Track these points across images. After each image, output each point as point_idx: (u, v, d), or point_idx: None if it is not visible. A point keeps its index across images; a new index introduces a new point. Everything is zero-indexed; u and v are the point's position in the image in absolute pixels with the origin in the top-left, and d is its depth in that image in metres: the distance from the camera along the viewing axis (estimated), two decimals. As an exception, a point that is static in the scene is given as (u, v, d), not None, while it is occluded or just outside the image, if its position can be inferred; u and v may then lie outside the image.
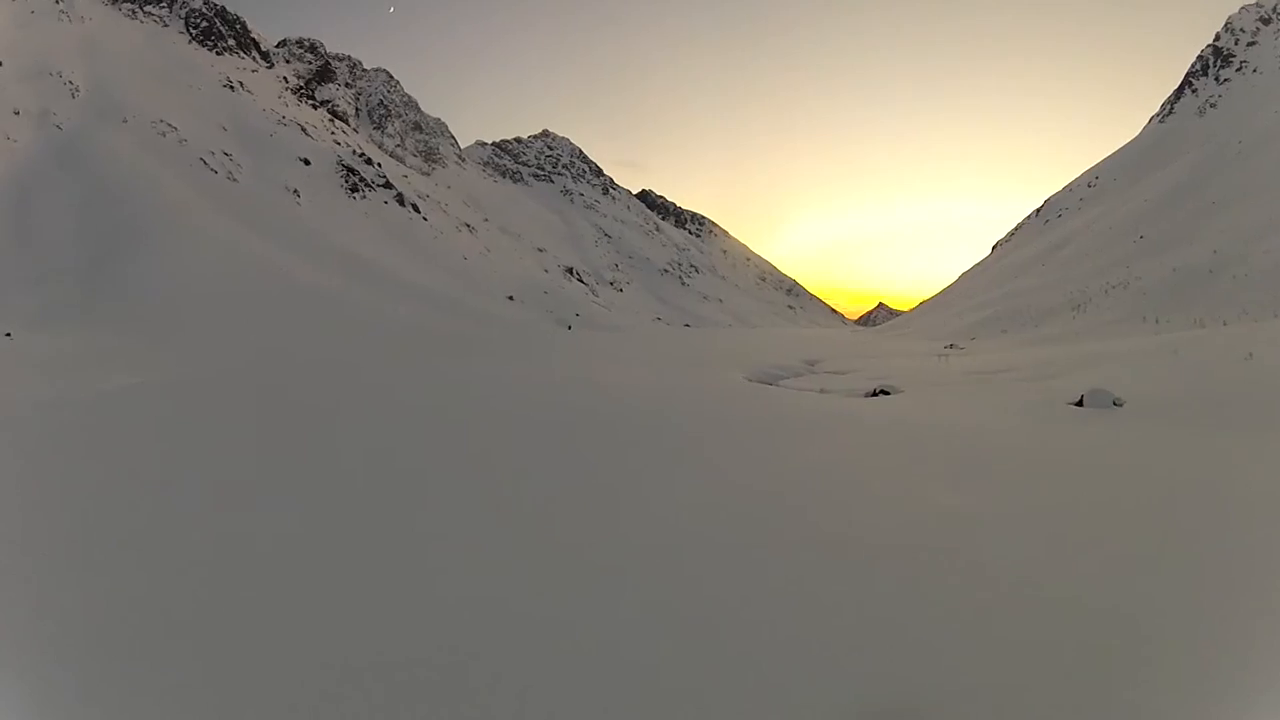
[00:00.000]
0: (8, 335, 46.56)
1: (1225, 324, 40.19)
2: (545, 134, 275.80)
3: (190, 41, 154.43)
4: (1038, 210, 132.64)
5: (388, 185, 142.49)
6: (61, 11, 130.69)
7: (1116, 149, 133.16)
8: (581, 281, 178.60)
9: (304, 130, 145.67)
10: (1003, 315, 73.52)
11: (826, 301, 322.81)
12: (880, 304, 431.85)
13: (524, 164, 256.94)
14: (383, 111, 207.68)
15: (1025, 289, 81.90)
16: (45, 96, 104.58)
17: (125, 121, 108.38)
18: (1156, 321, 49.80)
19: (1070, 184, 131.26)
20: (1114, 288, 64.24)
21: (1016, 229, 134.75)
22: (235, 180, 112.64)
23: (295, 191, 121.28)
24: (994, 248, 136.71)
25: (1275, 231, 59.06)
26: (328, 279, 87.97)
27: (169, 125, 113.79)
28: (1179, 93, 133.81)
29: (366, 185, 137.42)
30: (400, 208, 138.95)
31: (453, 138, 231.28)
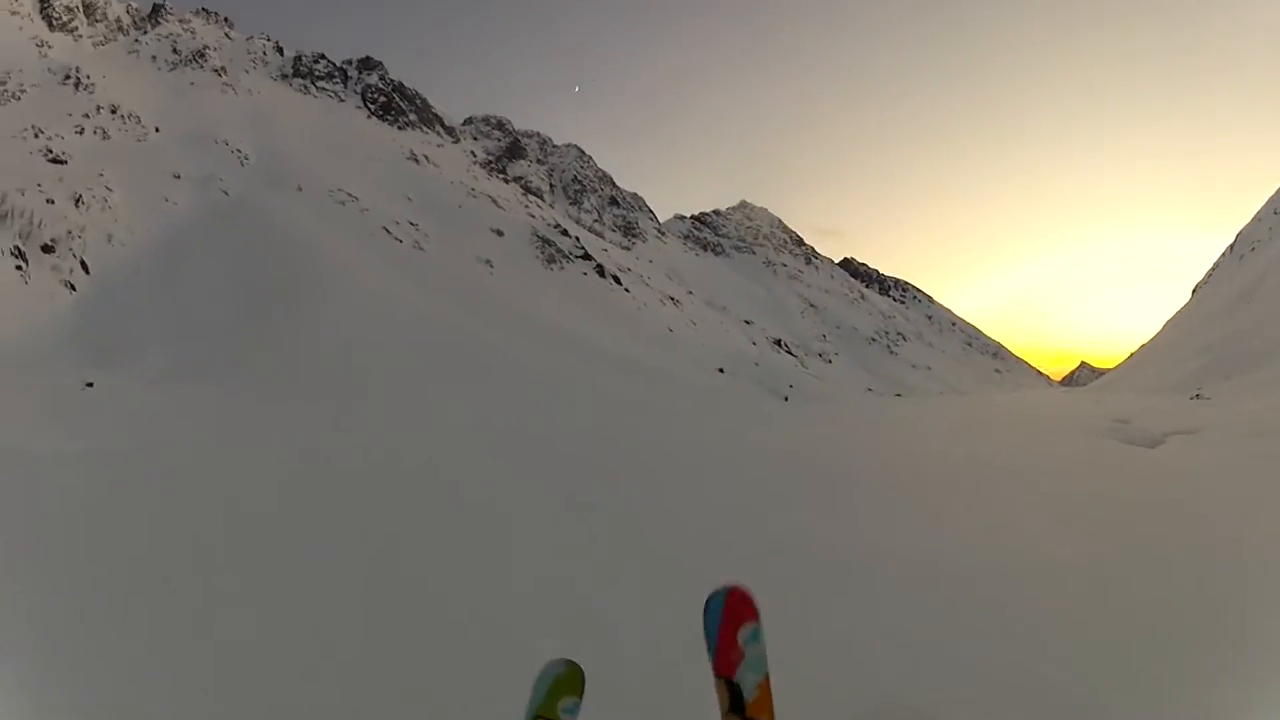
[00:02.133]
0: (89, 385, 46.76)
1: None
2: (744, 205, 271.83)
3: (369, 116, 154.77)
4: (1231, 246, 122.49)
5: (586, 256, 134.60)
6: (225, 84, 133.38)
7: None
8: (790, 353, 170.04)
9: (495, 202, 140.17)
10: (1223, 360, 65.26)
11: (1030, 363, 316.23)
12: (1082, 363, 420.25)
13: (724, 236, 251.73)
14: (577, 187, 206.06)
15: (1237, 330, 73.38)
16: (210, 163, 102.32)
17: (300, 190, 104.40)
18: None
19: (1258, 213, 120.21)
20: None
21: (1214, 269, 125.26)
22: (422, 249, 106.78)
23: (488, 261, 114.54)
24: (1194, 291, 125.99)
25: None
26: (524, 347, 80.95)
27: (348, 194, 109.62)
28: None
29: (564, 256, 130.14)
30: (601, 279, 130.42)
31: (650, 212, 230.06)
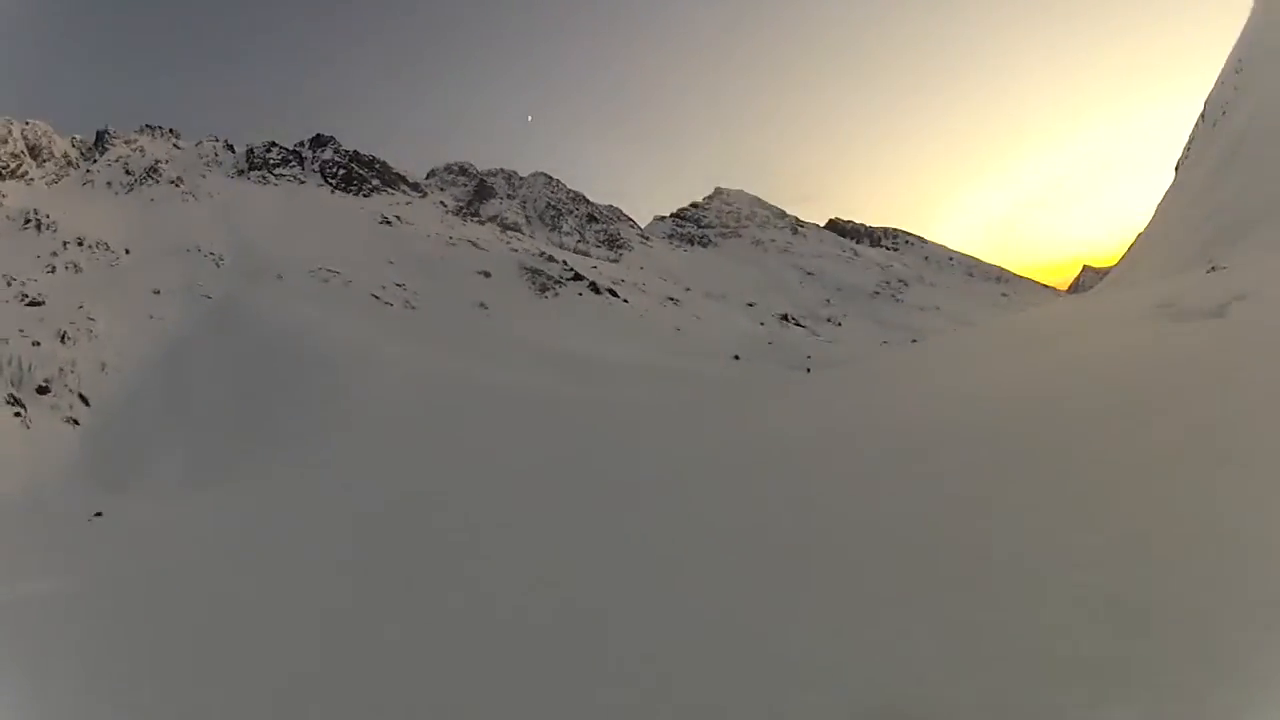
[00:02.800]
0: (98, 515, 45.31)
1: None
2: (719, 192, 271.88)
3: (333, 191, 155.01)
4: (1202, 115, 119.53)
5: (577, 277, 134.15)
6: (185, 193, 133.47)
7: (1243, 22, 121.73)
8: (800, 325, 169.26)
9: (475, 245, 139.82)
10: (1226, 228, 60.59)
11: (1035, 279, 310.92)
12: (1084, 267, 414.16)
13: (707, 226, 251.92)
14: (553, 212, 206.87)
15: (1232, 195, 68.29)
16: (186, 272, 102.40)
17: (280, 278, 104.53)
18: None
19: (1220, 76, 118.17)
20: None
21: (1191, 141, 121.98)
22: (413, 307, 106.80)
23: (481, 304, 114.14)
24: (1176, 168, 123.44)
25: None
26: (535, 378, 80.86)
27: (330, 270, 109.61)
28: None
29: (555, 282, 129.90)
30: (597, 295, 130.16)
31: (630, 220, 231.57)
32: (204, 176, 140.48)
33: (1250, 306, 20.13)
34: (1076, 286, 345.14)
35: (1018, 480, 8.91)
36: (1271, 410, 9.79)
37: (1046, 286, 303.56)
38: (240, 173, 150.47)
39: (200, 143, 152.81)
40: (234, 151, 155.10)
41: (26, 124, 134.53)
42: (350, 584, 12.72)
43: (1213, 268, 46.13)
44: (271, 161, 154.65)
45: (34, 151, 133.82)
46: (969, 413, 14.07)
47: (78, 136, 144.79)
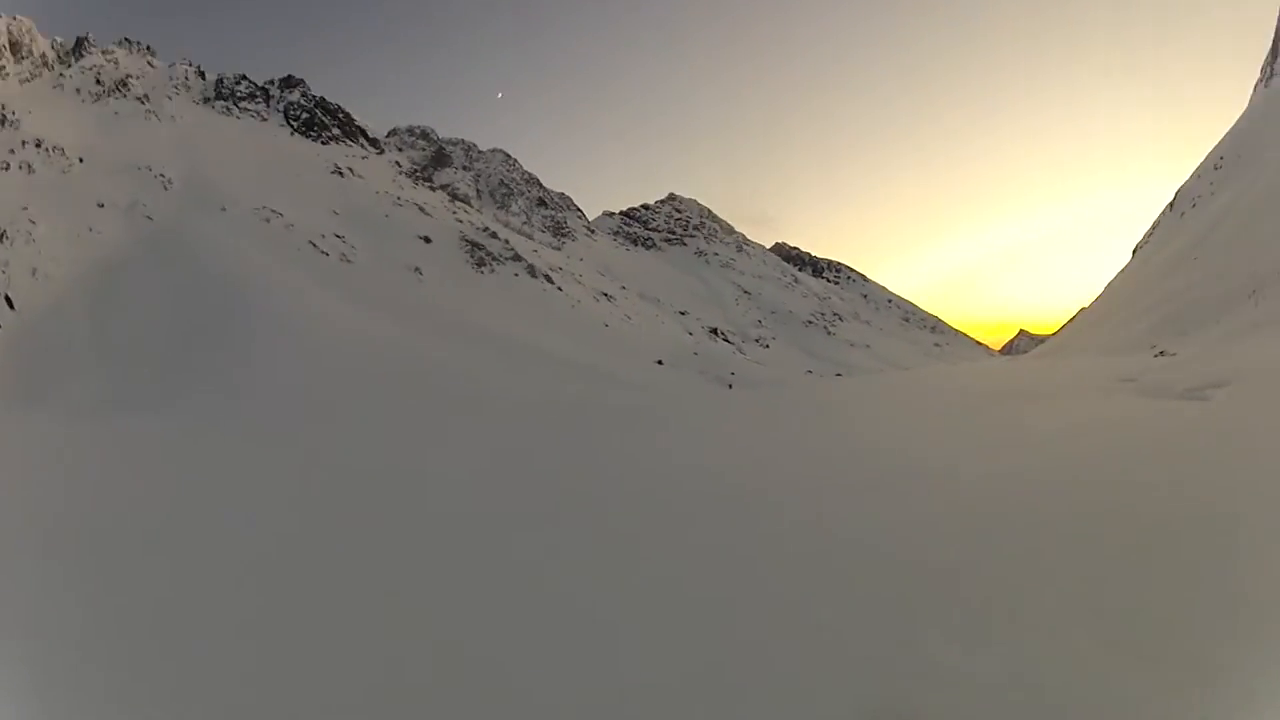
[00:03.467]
0: None
1: None
2: (672, 197, 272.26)
3: (292, 134, 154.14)
4: (1170, 204, 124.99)
5: (517, 257, 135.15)
6: (149, 112, 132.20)
7: (1231, 124, 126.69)
8: (728, 341, 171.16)
9: (422, 210, 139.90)
10: (1176, 315, 69.73)
11: (969, 334, 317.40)
12: (1021, 331, 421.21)
13: (654, 230, 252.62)
14: (504, 191, 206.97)
15: (1187, 285, 77.02)
16: (134, 190, 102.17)
17: (224, 210, 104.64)
18: None
19: (1197, 170, 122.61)
20: None
21: (1154, 228, 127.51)
22: (349, 261, 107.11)
23: (416, 269, 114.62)
24: (1134, 251, 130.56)
25: None
26: (461, 354, 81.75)
27: (273, 211, 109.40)
28: (1275, 52, 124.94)
29: (494, 259, 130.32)
30: (532, 278, 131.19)
31: (579, 210, 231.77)
32: (170, 98, 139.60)
33: (1235, 393, 22.29)
34: (1010, 348, 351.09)
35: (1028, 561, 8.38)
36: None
37: (980, 344, 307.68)
38: (206, 100, 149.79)
39: (174, 64, 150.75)
40: (204, 79, 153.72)
41: (13, 19, 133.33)
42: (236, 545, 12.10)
43: (1160, 352, 51.13)
44: (239, 94, 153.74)
45: (14, 47, 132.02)
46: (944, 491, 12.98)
47: (59, 39, 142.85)
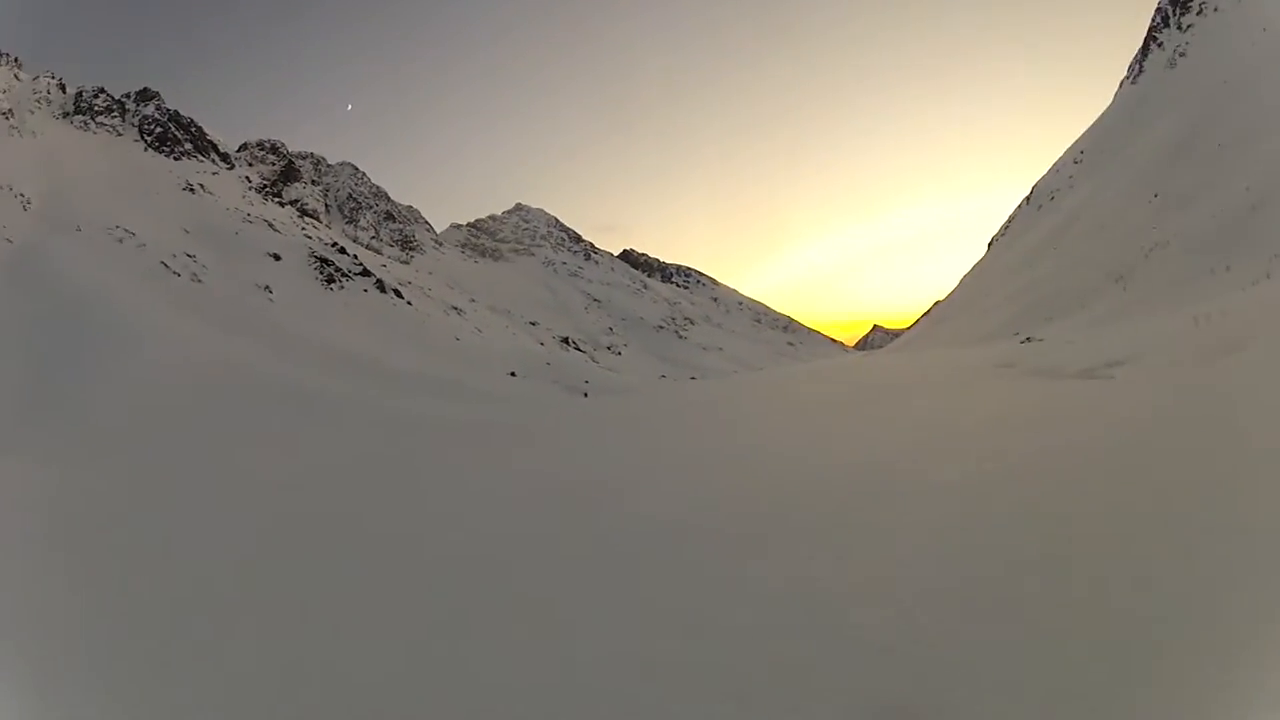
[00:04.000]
0: None
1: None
2: (519, 208, 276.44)
3: (146, 149, 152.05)
4: (1027, 198, 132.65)
5: (366, 273, 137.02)
6: (13, 128, 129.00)
7: (1093, 121, 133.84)
8: (579, 349, 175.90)
9: (271, 226, 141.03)
10: (1039, 303, 73.35)
11: (824, 332, 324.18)
12: (875, 326, 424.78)
13: (501, 240, 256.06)
14: (353, 205, 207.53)
15: (1049, 274, 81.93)
16: None
17: (79, 230, 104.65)
18: (1227, 269, 48.49)
19: (1055, 165, 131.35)
20: (1153, 250, 63.91)
21: (1010, 221, 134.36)
22: (200, 281, 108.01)
23: (266, 288, 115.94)
24: (989, 245, 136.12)
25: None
26: (310, 374, 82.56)
27: (126, 231, 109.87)
28: (1144, 50, 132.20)
29: (343, 275, 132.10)
30: (381, 294, 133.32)
31: (427, 223, 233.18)
32: (32, 113, 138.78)
33: (1136, 370, 22.55)
34: (865, 344, 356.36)
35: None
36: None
37: (834, 341, 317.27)
38: (66, 115, 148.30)
39: (37, 77, 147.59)
40: (64, 92, 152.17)
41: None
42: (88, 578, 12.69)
43: (1027, 339, 52.90)
44: (96, 108, 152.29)
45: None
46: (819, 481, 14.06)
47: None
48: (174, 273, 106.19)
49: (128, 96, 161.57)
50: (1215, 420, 13.32)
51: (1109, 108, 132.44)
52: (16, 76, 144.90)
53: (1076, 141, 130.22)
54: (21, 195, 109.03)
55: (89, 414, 59.99)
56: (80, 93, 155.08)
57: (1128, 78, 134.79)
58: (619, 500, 15.04)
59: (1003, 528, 9.23)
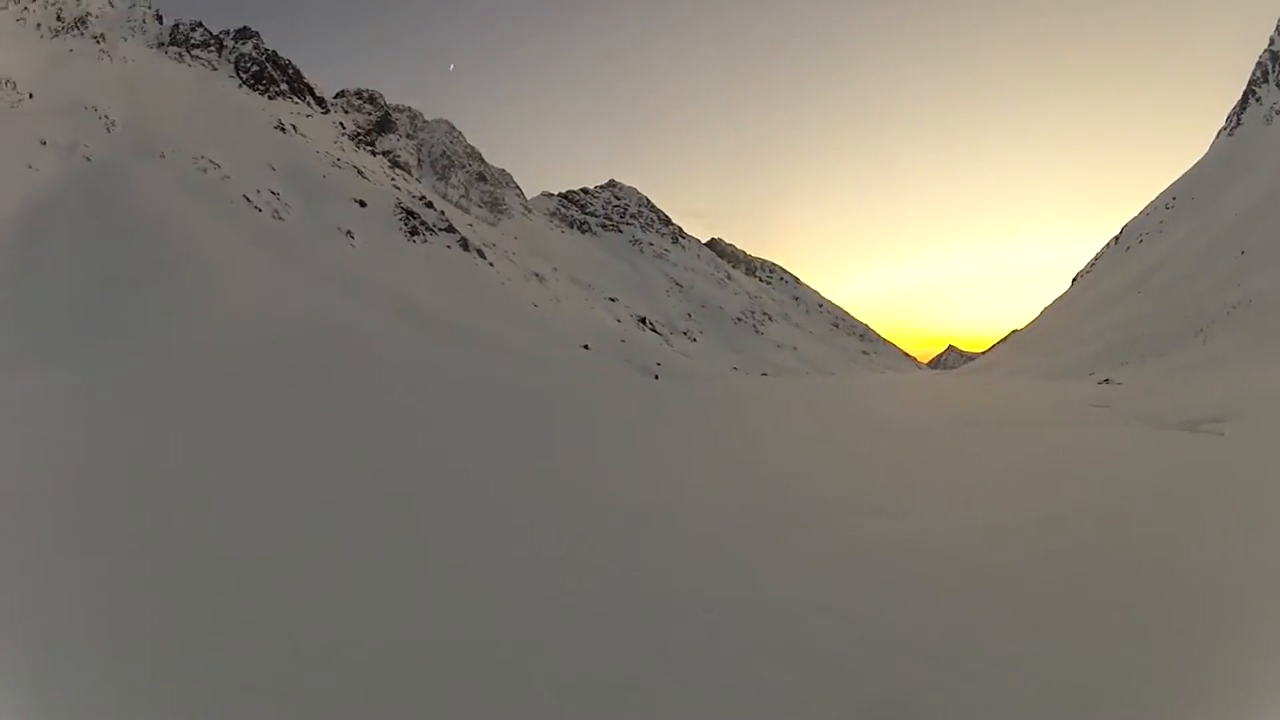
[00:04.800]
0: None
1: None
2: (612, 184, 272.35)
3: (240, 86, 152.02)
4: (1116, 238, 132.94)
5: (450, 229, 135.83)
6: (102, 52, 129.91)
7: (1187, 169, 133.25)
8: (655, 331, 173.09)
9: (361, 174, 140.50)
10: (1117, 346, 73.40)
11: (898, 345, 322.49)
12: (950, 346, 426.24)
13: (591, 214, 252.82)
14: (445, 162, 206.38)
15: (1127, 318, 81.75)
16: (77, 130, 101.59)
17: (163, 157, 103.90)
18: None
19: (1146, 208, 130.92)
20: (1236, 307, 63.29)
21: (1096, 259, 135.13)
22: (281, 219, 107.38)
23: (349, 233, 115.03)
24: (1074, 280, 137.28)
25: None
26: (384, 323, 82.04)
27: (210, 162, 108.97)
28: (1243, 103, 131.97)
29: (428, 229, 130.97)
30: (465, 252, 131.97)
31: (518, 188, 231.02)
32: (125, 39, 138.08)
33: (1243, 427, 23.63)
34: (939, 362, 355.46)
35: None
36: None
37: (908, 355, 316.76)
38: (160, 45, 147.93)
39: (134, 5, 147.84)
40: (161, 23, 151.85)
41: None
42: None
43: (1106, 379, 54.27)
44: (193, 41, 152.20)
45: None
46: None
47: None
48: (255, 208, 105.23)
49: (226, 33, 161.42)
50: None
51: (1204, 157, 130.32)
52: (110, 2, 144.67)
53: (1170, 187, 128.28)
54: (106, 117, 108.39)
55: (148, 337, 59.77)
56: (177, 25, 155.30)
57: (1225, 129, 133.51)
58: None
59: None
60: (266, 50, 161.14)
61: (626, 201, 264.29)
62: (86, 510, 12.23)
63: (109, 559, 9.28)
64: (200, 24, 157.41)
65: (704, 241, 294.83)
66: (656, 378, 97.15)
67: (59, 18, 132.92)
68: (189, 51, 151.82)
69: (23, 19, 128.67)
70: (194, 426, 25.66)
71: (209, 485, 14.52)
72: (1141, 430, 25.93)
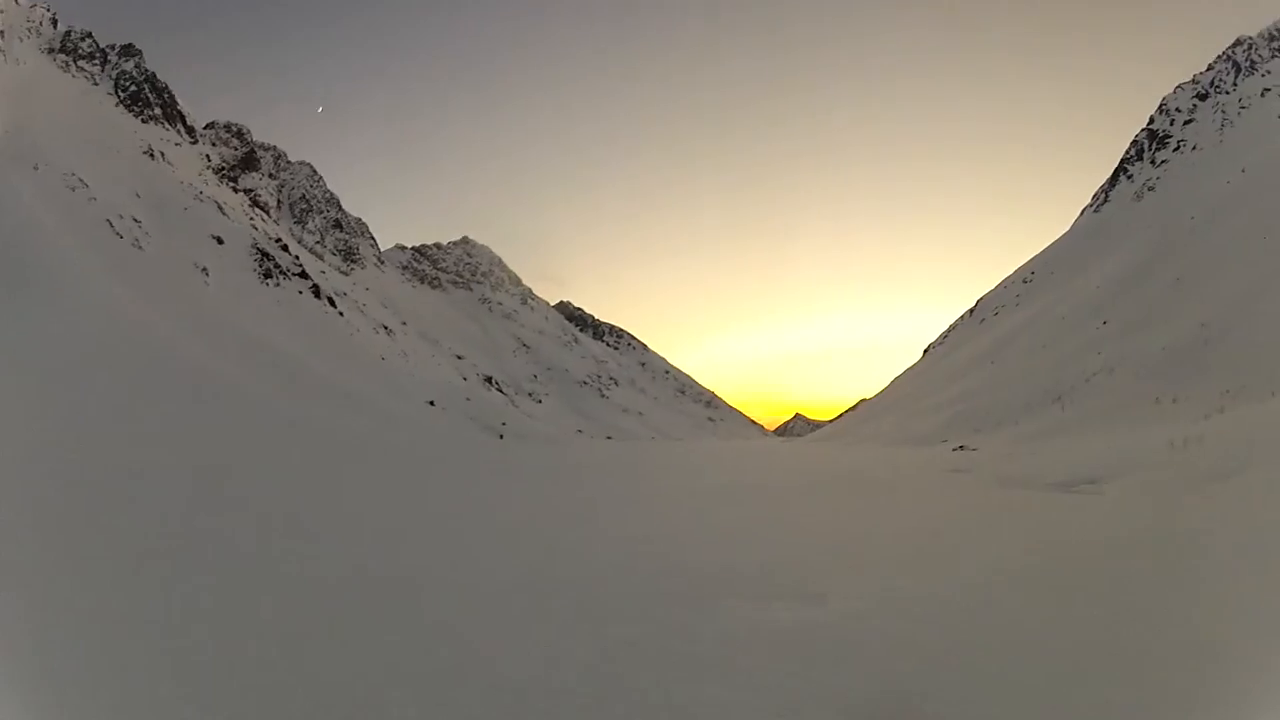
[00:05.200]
0: None
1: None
2: (465, 241, 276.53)
3: (118, 104, 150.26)
4: (970, 310, 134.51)
5: (304, 275, 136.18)
6: (0, 51, 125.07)
7: (1047, 244, 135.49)
8: (501, 391, 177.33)
9: (221, 209, 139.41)
10: (969, 414, 73.63)
11: (745, 412, 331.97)
12: (797, 414, 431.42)
13: (443, 270, 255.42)
14: (304, 206, 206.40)
15: (983, 386, 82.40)
16: None
17: (36, 169, 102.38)
18: (1174, 401, 47.64)
19: (1003, 281, 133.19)
20: (1096, 374, 63.28)
21: (949, 331, 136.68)
22: (140, 248, 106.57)
23: (204, 270, 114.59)
24: (925, 351, 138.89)
25: (1263, 297, 56.89)
26: (230, 365, 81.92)
27: (80, 181, 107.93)
28: (1113, 180, 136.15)
29: (281, 273, 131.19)
30: (316, 299, 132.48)
31: (373, 239, 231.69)
32: (21, 40, 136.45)
33: (1123, 487, 23.75)
34: (785, 429, 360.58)
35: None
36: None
37: (754, 422, 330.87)
38: (51, 50, 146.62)
39: (35, 5, 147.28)
40: (55, 27, 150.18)
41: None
42: None
43: (960, 446, 55.02)
44: (81, 51, 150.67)
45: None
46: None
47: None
48: (117, 234, 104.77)
49: (111, 48, 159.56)
50: (1223, 542, 14.11)
51: (1066, 233, 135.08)
52: (16, 1, 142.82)
53: (1028, 262, 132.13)
54: None
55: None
56: (69, 32, 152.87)
57: (1090, 205, 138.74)
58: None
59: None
60: (146, 71, 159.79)
61: (478, 260, 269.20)
62: None
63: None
64: (90, 34, 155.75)
65: (553, 304, 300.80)
66: (501, 436, 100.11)
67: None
68: (75, 62, 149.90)
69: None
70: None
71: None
72: (1009, 493, 26.48)
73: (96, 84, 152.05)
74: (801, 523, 20.95)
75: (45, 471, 24.81)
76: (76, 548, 13.49)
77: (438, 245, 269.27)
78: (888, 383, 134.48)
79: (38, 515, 16.31)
